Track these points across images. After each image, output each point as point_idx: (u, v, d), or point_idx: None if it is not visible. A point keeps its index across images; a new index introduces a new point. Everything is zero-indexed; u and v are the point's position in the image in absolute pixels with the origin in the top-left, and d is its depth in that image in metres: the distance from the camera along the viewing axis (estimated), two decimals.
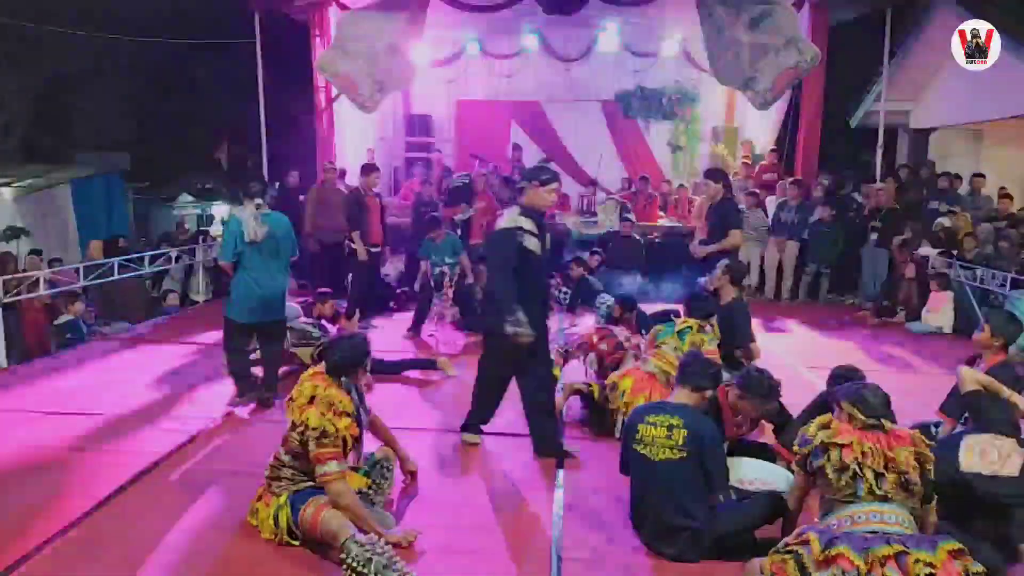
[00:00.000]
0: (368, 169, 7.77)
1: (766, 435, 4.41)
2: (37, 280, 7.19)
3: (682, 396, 3.45)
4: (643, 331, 5.55)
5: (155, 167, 14.34)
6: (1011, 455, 3.15)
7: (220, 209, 17.36)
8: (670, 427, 3.24)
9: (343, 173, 10.01)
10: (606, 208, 10.24)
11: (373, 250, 7.72)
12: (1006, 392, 3.56)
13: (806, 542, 2.65)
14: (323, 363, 3.43)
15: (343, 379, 3.37)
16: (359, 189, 7.72)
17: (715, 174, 6.47)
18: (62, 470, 4.09)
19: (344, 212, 7.66)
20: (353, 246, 7.46)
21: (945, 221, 8.82)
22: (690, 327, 4.73)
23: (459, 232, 8.70)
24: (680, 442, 3.20)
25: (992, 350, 3.93)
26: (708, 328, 4.81)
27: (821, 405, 4.09)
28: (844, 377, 3.83)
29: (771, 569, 2.72)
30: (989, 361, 3.95)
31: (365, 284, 7.68)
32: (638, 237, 9.61)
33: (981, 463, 3.15)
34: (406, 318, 7.77)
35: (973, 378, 3.62)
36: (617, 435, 4.62)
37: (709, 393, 3.54)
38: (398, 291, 9.07)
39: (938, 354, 6.77)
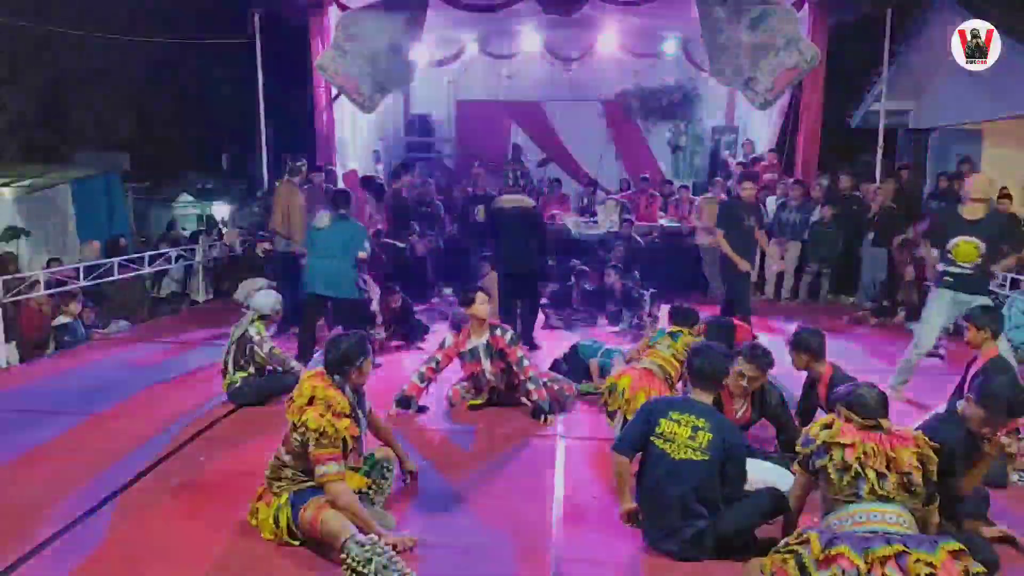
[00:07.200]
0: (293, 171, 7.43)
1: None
2: (37, 280, 7.18)
3: (699, 397, 3.40)
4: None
5: (155, 167, 14.35)
6: None
7: (220, 209, 17.31)
8: (695, 428, 3.20)
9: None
10: (606, 208, 10.21)
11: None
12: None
13: (806, 542, 2.65)
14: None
15: (336, 378, 3.36)
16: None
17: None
18: (62, 470, 4.08)
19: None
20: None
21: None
22: (682, 331, 4.78)
23: None
24: (704, 444, 3.17)
25: (986, 344, 4.17)
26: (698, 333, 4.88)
27: (810, 392, 4.19)
28: (804, 332, 4.11)
29: (771, 569, 2.72)
30: (985, 355, 4.17)
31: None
32: (638, 238, 9.60)
33: None
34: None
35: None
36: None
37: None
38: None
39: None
